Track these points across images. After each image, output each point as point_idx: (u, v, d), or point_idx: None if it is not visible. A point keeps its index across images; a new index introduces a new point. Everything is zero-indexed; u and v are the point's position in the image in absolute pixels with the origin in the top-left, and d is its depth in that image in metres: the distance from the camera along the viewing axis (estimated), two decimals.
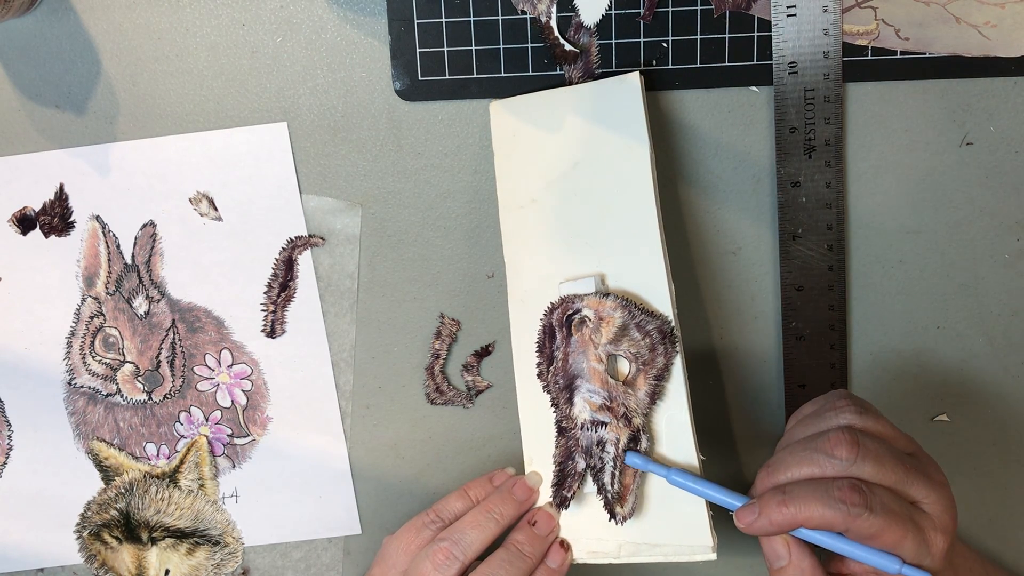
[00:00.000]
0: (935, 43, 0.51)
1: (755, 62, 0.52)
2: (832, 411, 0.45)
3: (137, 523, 0.59)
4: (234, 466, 0.59)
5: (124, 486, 0.59)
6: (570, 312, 0.49)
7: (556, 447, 0.50)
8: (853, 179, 0.53)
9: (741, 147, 0.53)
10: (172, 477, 0.59)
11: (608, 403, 0.49)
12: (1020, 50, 0.51)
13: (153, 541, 0.59)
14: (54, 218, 0.56)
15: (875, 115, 0.53)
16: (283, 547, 0.60)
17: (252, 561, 0.60)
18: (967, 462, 0.57)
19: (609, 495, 0.49)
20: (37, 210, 0.56)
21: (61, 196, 0.56)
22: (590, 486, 0.50)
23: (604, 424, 0.49)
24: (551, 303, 0.51)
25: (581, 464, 0.49)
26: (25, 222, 0.56)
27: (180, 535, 0.59)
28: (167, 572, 0.60)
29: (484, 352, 0.57)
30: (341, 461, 0.58)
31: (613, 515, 0.49)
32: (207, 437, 0.59)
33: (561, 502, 0.50)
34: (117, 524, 0.59)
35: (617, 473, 0.49)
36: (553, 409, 0.50)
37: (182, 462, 0.59)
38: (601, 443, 0.49)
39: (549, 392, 0.50)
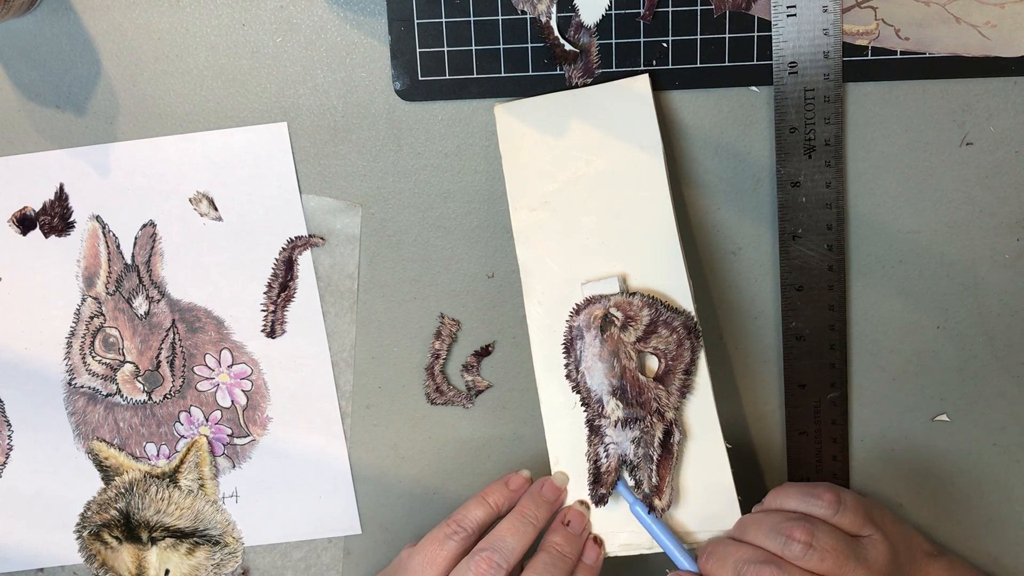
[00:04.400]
0: (935, 43, 0.51)
1: (755, 62, 0.52)
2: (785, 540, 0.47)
3: (137, 523, 0.59)
4: (234, 466, 0.59)
5: (124, 486, 0.59)
6: (598, 312, 0.50)
7: (589, 446, 0.51)
8: (853, 179, 0.53)
9: (741, 147, 0.53)
10: (172, 477, 0.59)
11: (640, 400, 0.50)
12: (1020, 50, 0.51)
13: (153, 541, 0.59)
14: (54, 218, 0.56)
15: (875, 115, 0.53)
16: (283, 547, 0.60)
17: (252, 561, 0.60)
18: (967, 462, 0.57)
19: (647, 489, 0.50)
20: (37, 210, 0.56)
21: (61, 196, 0.56)
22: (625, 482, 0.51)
23: (638, 420, 0.50)
24: (576, 304, 0.51)
25: (616, 461, 0.50)
26: (25, 222, 0.56)
27: (180, 535, 0.59)
28: (167, 572, 0.60)
29: (484, 352, 0.57)
30: (341, 461, 0.58)
31: (652, 508, 0.50)
32: (207, 437, 0.59)
33: (599, 499, 0.51)
34: (117, 524, 0.59)
35: (654, 468, 0.50)
36: (584, 409, 0.51)
37: (182, 462, 0.59)
38: (636, 440, 0.50)
39: (579, 392, 0.51)
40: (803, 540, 0.45)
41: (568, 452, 0.52)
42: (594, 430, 0.51)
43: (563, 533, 0.50)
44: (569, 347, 0.51)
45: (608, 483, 0.51)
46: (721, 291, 0.55)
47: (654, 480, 0.50)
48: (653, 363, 0.51)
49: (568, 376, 0.51)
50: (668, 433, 0.50)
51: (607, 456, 0.51)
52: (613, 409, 0.50)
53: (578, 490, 0.52)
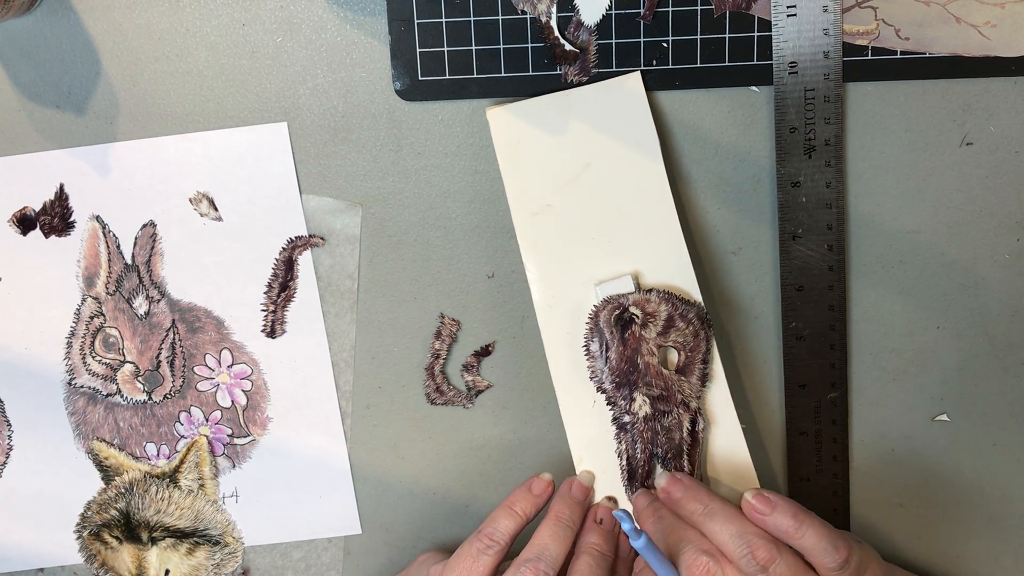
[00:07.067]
0: (935, 43, 0.51)
1: (755, 62, 0.52)
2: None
3: (137, 523, 0.59)
4: (234, 466, 0.59)
5: (124, 486, 0.59)
6: (617, 312, 0.51)
7: (620, 443, 0.52)
8: (853, 179, 0.53)
9: (741, 147, 0.53)
10: (172, 477, 0.59)
11: (666, 393, 0.51)
12: (1020, 50, 0.51)
13: (153, 541, 0.59)
14: (54, 218, 0.56)
15: (875, 115, 0.53)
16: (283, 547, 0.60)
17: (252, 561, 0.60)
18: (967, 462, 0.57)
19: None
20: (37, 210, 0.56)
21: (61, 196, 0.56)
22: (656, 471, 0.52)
23: (665, 413, 0.51)
24: (595, 305, 0.52)
25: (648, 455, 0.52)
26: (25, 222, 0.56)
27: (180, 535, 0.59)
28: (167, 572, 0.60)
29: (484, 352, 0.57)
30: (341, 461, 0.58)
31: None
32: (207, 437, 0.59)
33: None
34: (117, 524, 0.60)
35: (686, 458, 0.51)
36: (610, 407, 0.52)
37: (182, 462, 0.59)
38: (664, 432, 0.51)
39: (604, 392, 0.52)
40: (762, 562, 0.45)
41: (591, 451, 0.53)
42: (622, 427, 0.52)
43: (599, 532, 0.51)
44: (590, 349, 0.52)
45: (642, 476, 0.52)
46: (721, 291, 0.55)
47: (686, 469, 0.51)
48: (673, 356, 0.52)
49: (592, 377, 0.52)
50: (694, 421, 0.51)
51: (638, 451, 0.52)
52: (640, 405, 0.51)
53: (604, 487, 0.53)
